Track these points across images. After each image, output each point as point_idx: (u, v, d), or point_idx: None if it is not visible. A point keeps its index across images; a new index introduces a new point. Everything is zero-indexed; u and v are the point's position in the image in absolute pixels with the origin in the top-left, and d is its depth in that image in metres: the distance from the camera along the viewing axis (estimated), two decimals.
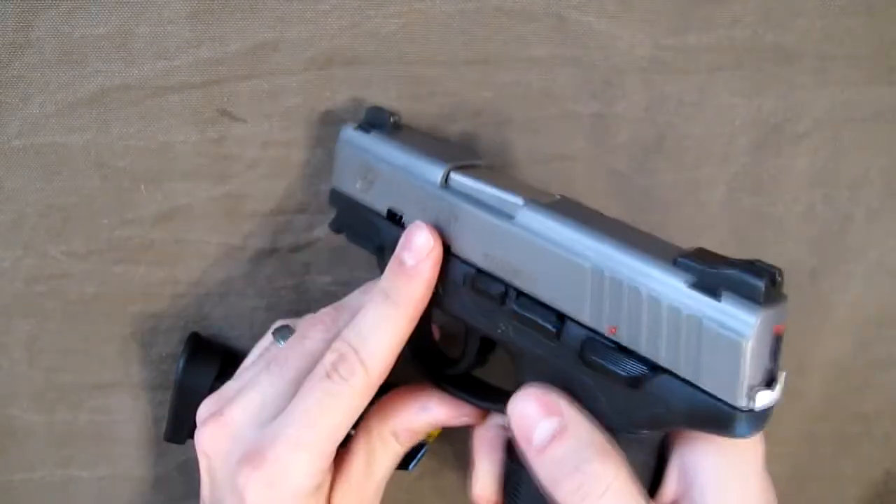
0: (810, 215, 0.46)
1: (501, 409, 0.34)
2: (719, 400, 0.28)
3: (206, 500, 0.36)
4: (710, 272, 0.28)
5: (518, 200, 0.33)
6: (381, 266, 0.37)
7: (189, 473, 0.49)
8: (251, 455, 0.33)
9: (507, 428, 0.36)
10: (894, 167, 0.45)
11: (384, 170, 0.38)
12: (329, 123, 0.42)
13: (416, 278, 0.34)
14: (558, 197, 0.34)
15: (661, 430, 0.32)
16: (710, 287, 0.28)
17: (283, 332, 0.39)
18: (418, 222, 0.35)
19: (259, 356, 0.40)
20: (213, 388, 0.39)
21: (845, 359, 0.51)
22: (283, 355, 0.37)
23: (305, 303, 0.46)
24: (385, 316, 0.35)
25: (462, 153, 0.38)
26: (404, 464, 0.46)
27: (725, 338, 0.27)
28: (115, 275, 0.44)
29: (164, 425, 0.45)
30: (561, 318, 0.32)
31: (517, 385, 0.34)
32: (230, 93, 0.41)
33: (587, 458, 0.29)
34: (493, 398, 0.38)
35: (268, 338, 0.40)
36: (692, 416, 0.28)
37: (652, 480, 0.33)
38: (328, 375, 0.34)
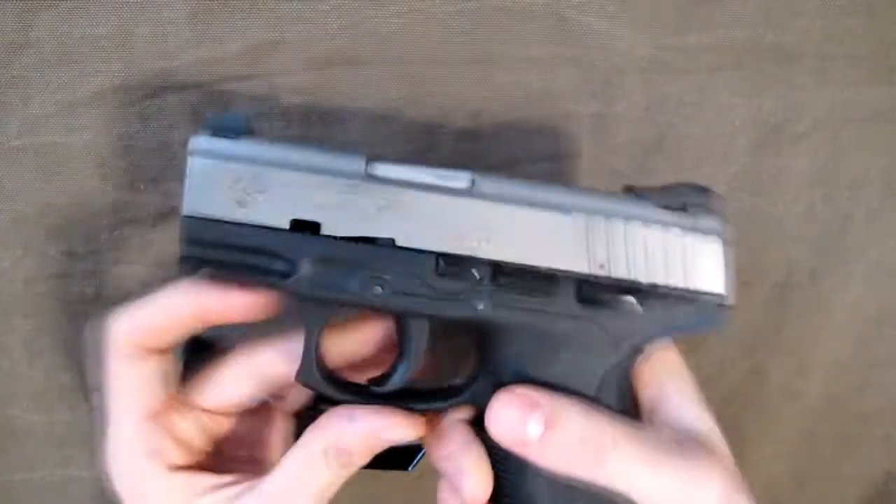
0: (810, 215, 0.46)
1: (459, 404, 0.35)
2: (708, 294, 0.34)
3: None
4: (671, 195, 0.34)
5: (464, 174, 0.33)
6: (297, 294, 0.33)
7: None
8: None
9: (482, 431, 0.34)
10: (894, 167, 0.45)
11: (280, 175, 0.32)
12: (329, 123, 0.42)
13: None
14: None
15: (660, 340, 0.35)
16: (677, 206, 0.34)
17: None
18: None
19: None
20: None
21: (845, 359, 0.51)
22: None
23: None
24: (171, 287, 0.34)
25: (345, 147, 0.37)
26: (404, 464, 0.46)
27: (706, 241, 0.34)
28: (114, 275, 0.44)
29: None
30: (549, 275, 0.33)
31: (492, 365, 0.34)
32: (230, 93, 0.41)
33: (583, 424, 0.32)
34: (442, 397, 0.36)
35: None
36: (687, 319, 0.34)
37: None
38: None
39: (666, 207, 0.34)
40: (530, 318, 0.34)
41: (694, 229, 0.34)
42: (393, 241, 0.33)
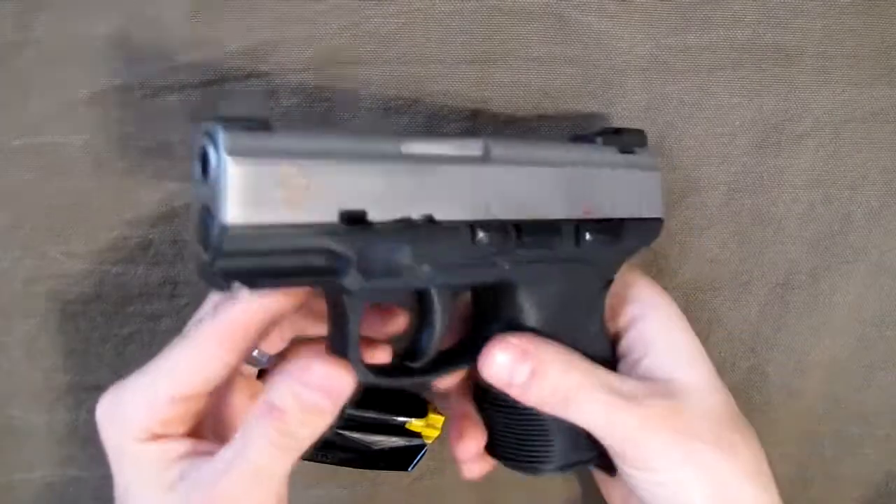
0: (810, 215, 0.46)
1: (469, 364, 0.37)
2: (655, 220, 0.40)
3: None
4: (620, 140, 0.39)
5: (476, 142, 0.34)
6: (347, 308, 0.32)
7: None
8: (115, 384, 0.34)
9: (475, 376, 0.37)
10: (894, 167, 0.45)
11: (322, 167, 0.30)
12: (329, 123, 0.42)
13: None
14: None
15: (626, 261, 0.40)
16: (627, 149, 0.39)
17: None
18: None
19: None
20: None
21: (845, 359, 0.51)
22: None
23: None
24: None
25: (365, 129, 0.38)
26: (404, 464, 0.46)
27: (650, 175, 0.39)
28: (114, 275, 0.44)
29: None
30: (556, 226, 0.36)
31: (506, 320, 0.37)
32: (230, 93, 0.41)
33: (559, 376, 0.35)
34: (467, 356, 0.37)
35: None
36: (643, 240, 0.40)
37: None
38: (192, 322, 0.34)
39: (623, 151, 0.39)
40: (546, 269, 0.36)
41: (641, 166, 0.39)
42: (431, 217, 0.32)
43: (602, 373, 0.36)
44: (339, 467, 0.46)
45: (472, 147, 0.34)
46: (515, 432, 0.38)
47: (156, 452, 0.33)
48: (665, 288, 0.48)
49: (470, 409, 0.40)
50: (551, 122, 0.43)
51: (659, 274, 0.48)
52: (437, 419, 0.46)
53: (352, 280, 0.31)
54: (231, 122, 0.28)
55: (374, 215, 0.31)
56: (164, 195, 0.43)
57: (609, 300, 0.39)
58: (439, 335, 0.35)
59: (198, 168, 0.29)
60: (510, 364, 0.35)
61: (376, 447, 0.46)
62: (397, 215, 0.32)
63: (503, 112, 0.42)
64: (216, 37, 0.39)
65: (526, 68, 0.41)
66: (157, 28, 0.39)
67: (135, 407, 0.33)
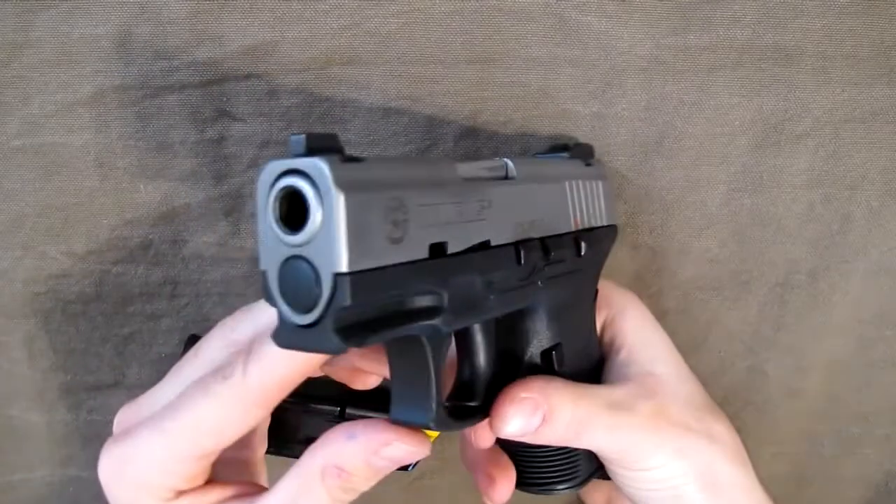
0: (810, 215, 0.46)
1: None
2: (613, 226, 0.42)
3: None
4: (580, 153, 0.40)
5: (499, 161, 0.34)
6: (432, 353, 0.30)
7: None
8: (120, 432, 0.32)
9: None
10: (894, 167, 0.45)
11: (414, 197, 0.27)
12: (329, 123, 0.42)
13: None
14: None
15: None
16: (587, 161, 0.41)
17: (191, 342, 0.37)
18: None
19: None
20: None
21: (845, 359, 0.51)
22: (180, 362, 0.34)
23: None
24: None
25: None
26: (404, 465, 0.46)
27: (604, 184, 0.41)
28: (114, 275, 0.44)
29: None
30: (567, 239, 0.37)
31: (526, 338, 0.37)
32: (230, 93, 0.41)
33: (572, 412, 0.35)
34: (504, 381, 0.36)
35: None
36: (609, 246, 0.41)
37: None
38: (215, 373, 0.31)
39: (587, 164, 0.40)
40: (560, 283, 0.36)
41: (599, 177, 0.41)
42: (488, 242, 0.31)
43: (601, 392, 0.37)
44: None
45: (499, 167, 0.33)
46: (541, 460, 0.39)
47: None
48: (665, 288, 0.48)
49: (494, 449, 0.39)
50: (551, 122, 0.43)
51: (659, 274, 0.48)
52: None
53: (445, 319, 0.29)
54: (324, 153, 0.25)
55: (452, 246, 0.29)
56: (164, 195, 0.43)
57: None
58: (485, 368, 0.35)
59: (273, 216, 0.25)
60: (525, 420, 0.35)
61: None
62: (468, 244, 0.30)
63: (503, 112, 0.42)
64: (216, 37, 0.39)
65: (526, 68, 0.41)
66: (157, 28, 0.39)
67: (154, 468, 0.31)
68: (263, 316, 0.32)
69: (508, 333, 0.37)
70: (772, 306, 0.49)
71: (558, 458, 0.39)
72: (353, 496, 0.32)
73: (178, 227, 0.44)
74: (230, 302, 0.46)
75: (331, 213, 0.24)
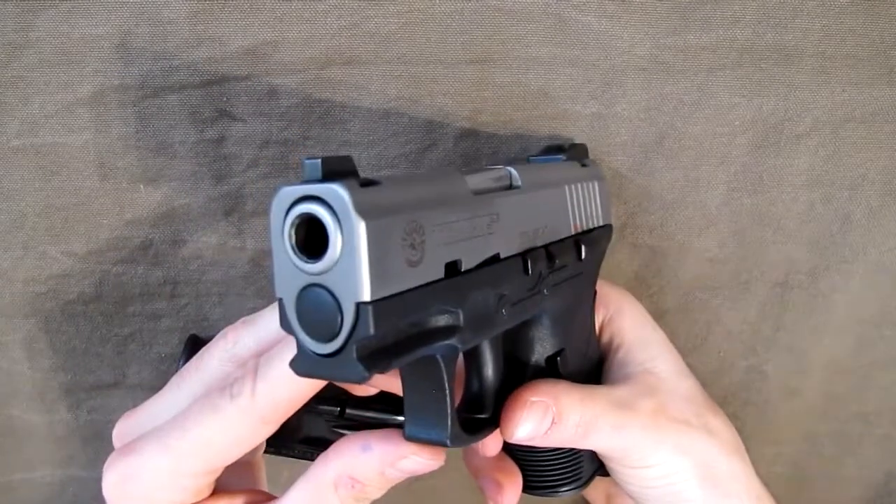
0: (810, 215, 0.46)
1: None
2: (609, 226, 0.42)
3: None
4: (575, 154, 0.40)
5: (502, 170, 0.33)
6: (446, 371, 0.29)
7: None
8: (123, 446, 0.32)
9: None
10: (894, 167, 0.45)
11: (429, 217, 0.26)
12: (329, 123, 0.42)
13: None
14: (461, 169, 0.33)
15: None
16: (583, 162, 0.41)
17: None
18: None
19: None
20: None
21: (845, 358, 0.51)
22: (179, 372, 0.34)
23: None
24: None
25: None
26: None
27: (600, 185, 0.41)
28: (114, 275, 0.44)
29: None
30: (569, 243, 0.36)
31: (531, 346, 0.37)
32: (230, 93, 0.41)
33: (580, 413, 0.36)
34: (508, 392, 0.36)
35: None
36: (606, 246, 0.41)
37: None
38: (221, 390, 0.30)
39: (583, 165, 0.40)
40: (563, 288, 0.36)
41: (595, 177, 0.41)
42: (498, 255, 0.30)
43: (606, 392, 0.37)
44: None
45: (503, 177, 0.33)
46: (546, 463, 0.39)
47: None
48: (665, 288, 0.48)
49: (500, 455, 0.39)
50: (551, 122, 0.43)
51: (659, 274, 0.48)
52: None
53: (461, 338, 0.28)
54: (340, 178, 0.24)
55: (466, 263, 0.28)
56: (164, 195, 0.43)
57: None
58: (494, 380, 0.35)
59: (289, 243, 0.24)
60: (536, 423, 0.35)
61: None
62: (480, 259, 0.29)
63: (503, 112, 0.42)
64: (216, 37, 0.39)
65: (526, 68, 0.41)
66: (157, 28, 0.39)
67: (160, 484, 0.31)
68: (265, 327, 0.32)
69: (514, 343, 0.37)
70: (772, 306, 0.49)
71: (563, 460, 0.39)
72: (365, 501, 0.32)
73: (178, 227, 0.44)
74: (230, 302, 0.46)
75: (351, 241, 0.23)
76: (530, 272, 0.32)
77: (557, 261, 0.35)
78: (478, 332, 0.30)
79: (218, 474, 0.32)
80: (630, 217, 0.46)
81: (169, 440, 0.31)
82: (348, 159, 0.25)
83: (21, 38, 0.38)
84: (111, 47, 0.39)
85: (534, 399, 0.35)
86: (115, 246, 0.44)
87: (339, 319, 0.23)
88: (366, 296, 0.23)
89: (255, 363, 0.30)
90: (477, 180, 0.30)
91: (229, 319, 0.46)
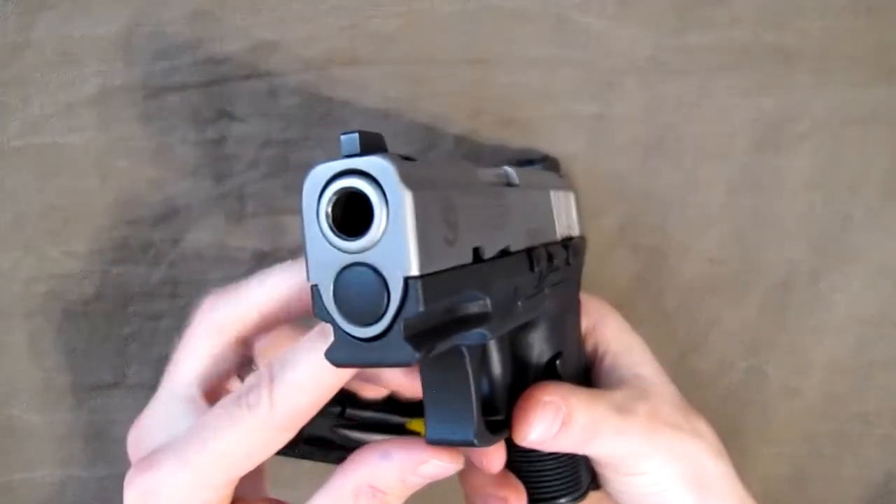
0: (810, 215, 0.46)
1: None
2: (582, 236, 0.41)
3: None
4: (551, 166, 0.42)
5: (500, 169, 0.33)
6: (470, 364, 0.29)
7: None
8: (143, 458, 0.32)
9: None
10: (894, 167, 0.45)
11: (461, 199, 0.26)
12: (329, 123, 0.42)
13: None
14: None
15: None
16: (559, 174, 0.42)
17: None
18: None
19: None
20: None
21: (845, 358, 0.51)
22: (170, 366, 0.34)
23: None
24: (320, 359, 0.27)
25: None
26: None
27: (573, 196, 0.41)
28: (115, 275, 0.44)
29: None
30: (561, 246, 0.36)
31: (527, 350, 0.36)
32: (230, 93, 0.41)
33: (586, 415, 0.35)
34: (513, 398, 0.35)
35: None
36: (584, 251, 0.41)
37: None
38: (238, 398, 0.30)
39: (560, 176, 0.41)
40: (556, 292, 0.36)
41: (569, 188, 0.41)
42: (509, 247, 0.30)
43: (607, 396, 0.37)
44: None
45: (501, 174, 0.33)
46: (547, 474, 0.39)
47: None
48: (665, 288, 0.48)
49: (502, 471, 0.38)
50: (551, 122, 0.43)
51: (659, 274, 0.48)
52: None
53: (491, 326, 0.27)
54: (377, 152, 0.23)
55: (487, 252, 0.27)
56: (164, 195, 0.43)
57: None
58: (504, 381, 0.35)
59: (326, 223, 0.23)
60: (548, 424, 0.34)
61: None
62: (497, 249, 0.29)
63: (503, 112, 0.42)
64: (217, 37, 0.39)
65: (526, 68, 0.41)
66: (157, 28, 0.39)
67: (184, 500, 0.30)
68: (246, 295, 0.34)
69: (517, 345, 0.37)
70: (772, 306, 0.49)
71: (562, 469, 0.39)
72: None
73: (178, 227, 0.44)
74: None
75: (398, 213, 0.22)
76: (535, 269, 0.32)
77: (555, 261, 0.35)
78: (503, 322, 0.29)
79: (236, 483, 0.32)
80: (630, 217, 0.46)
81: (188, 454, 0.30)
82: (380, 136, 0.24)
83: (22, 39, 0.38)
84: (112, 48, 0.39)
85: (547, 398, 0.35)
86: (116, 246, 0.44)
87: (386, 297, 0.22)
88: (415, 269, 0.22)
89: (269, 369, 0.30)
90: (485, 174, 0.30)
91: None
